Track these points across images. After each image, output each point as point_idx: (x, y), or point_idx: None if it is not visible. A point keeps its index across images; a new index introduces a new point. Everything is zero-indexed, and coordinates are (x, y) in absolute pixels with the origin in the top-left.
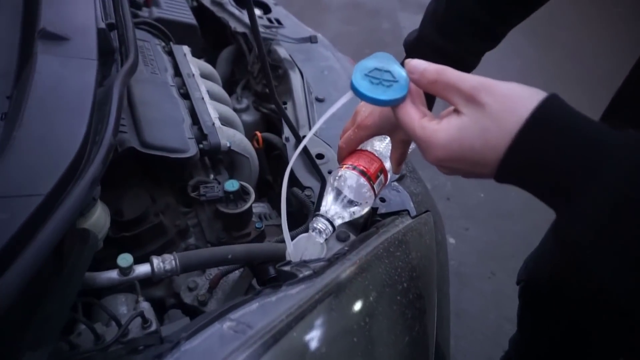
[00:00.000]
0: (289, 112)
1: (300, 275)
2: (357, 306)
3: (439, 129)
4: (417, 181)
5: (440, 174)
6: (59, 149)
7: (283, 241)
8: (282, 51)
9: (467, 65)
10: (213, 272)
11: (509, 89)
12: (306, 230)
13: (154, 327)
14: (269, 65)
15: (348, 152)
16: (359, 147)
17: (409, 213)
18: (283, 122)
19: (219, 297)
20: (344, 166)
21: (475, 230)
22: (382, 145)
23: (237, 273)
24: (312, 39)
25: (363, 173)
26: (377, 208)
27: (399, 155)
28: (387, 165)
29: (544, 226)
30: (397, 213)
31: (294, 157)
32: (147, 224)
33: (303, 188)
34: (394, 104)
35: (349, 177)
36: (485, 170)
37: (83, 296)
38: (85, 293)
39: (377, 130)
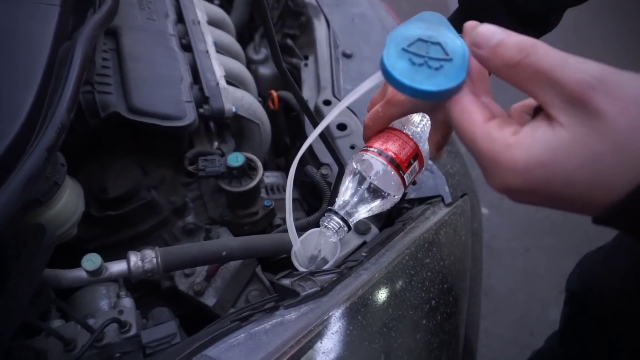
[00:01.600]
0: (310, 70)
1: (303, 294)
2: (372, 340)
3: (517, 143)
4: (455, 156)
5: None
6: None
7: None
8: None
9: (542, 29)
10: None
11: None
12: (318, 221)
13: (133, 332)
14: (291, 11)
15: (375, 131)
16: (391, 125)
17: (442, 200)
18: (302, 80)
19: (217, 285)
20: (369, 150)
21: (511, 201)
22: (420, 123)
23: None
24: None
25: (391, 161)
26: (405, 193)
27: (440, 138)
28: (424, 148)
29: None
30: (429, 199)
31: (294, 166)
32: (136, 201)
33: (320, 165)
34: (445, 97)
35: (373, 165)
36: (581, 209)
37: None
38: (57, 292)
39: (412, 108)
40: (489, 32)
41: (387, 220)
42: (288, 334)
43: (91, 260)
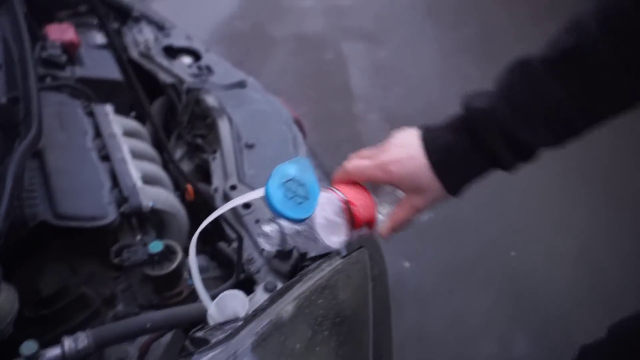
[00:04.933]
0: (218, 162)
1: (213, 341)
2: None
3: None
4: None
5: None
6: None
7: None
8: (211, 99)
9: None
10: (144, 338)
11: None
12: (230, 287)
13: None
14: (197, 115)
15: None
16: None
17: (339, 253)
18: (212, 171)
19: None
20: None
21: (430, 250)
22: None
23: (169, 336)
24: (240, 84)
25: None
26: (305, 253)
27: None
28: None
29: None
30: (327, 254)
31: (196, 235)
32: (68, 297)
33: (230, 241)
34: (300, 222)
35: (330, 203)
36: None
37: None
38: None
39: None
40: None
41: (290, 279)
42: None
43: (28, 347)
